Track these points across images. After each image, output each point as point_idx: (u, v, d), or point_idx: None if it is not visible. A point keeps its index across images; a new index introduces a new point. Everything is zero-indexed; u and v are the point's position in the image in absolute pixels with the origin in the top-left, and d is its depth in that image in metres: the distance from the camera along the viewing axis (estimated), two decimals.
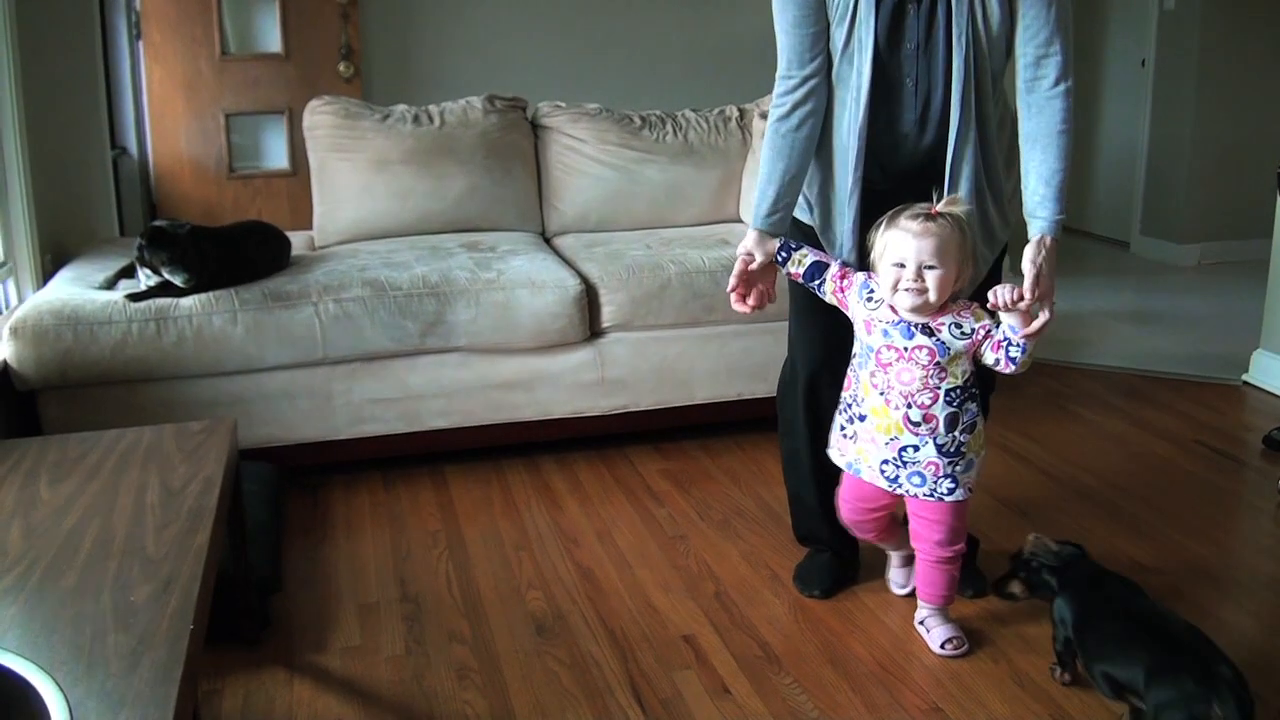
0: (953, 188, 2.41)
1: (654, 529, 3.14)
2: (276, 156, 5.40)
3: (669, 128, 4.30)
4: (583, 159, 4.22)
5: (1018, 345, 2.30)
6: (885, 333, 2.39)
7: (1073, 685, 2.36)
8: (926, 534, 2.49)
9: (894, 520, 2.64)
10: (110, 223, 4.46)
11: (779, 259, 2.51)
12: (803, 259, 2.50)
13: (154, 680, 1.45)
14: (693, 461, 3.61)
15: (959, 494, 2.44)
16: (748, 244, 2.52)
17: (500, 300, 3.43)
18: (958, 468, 2.43)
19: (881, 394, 2.41)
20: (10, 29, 3.52)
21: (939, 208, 2.31)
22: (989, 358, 2.35)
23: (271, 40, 5.27)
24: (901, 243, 2.30)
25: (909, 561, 2.71)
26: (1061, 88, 2.33)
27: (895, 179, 2.48)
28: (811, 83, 2.44)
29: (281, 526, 2.98)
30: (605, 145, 4.22)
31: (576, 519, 3.21)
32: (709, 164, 4.29)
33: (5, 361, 3.14)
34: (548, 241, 4.13)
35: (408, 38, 5.57)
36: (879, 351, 2.40)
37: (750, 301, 2.56)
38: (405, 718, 2.32)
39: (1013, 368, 2.33)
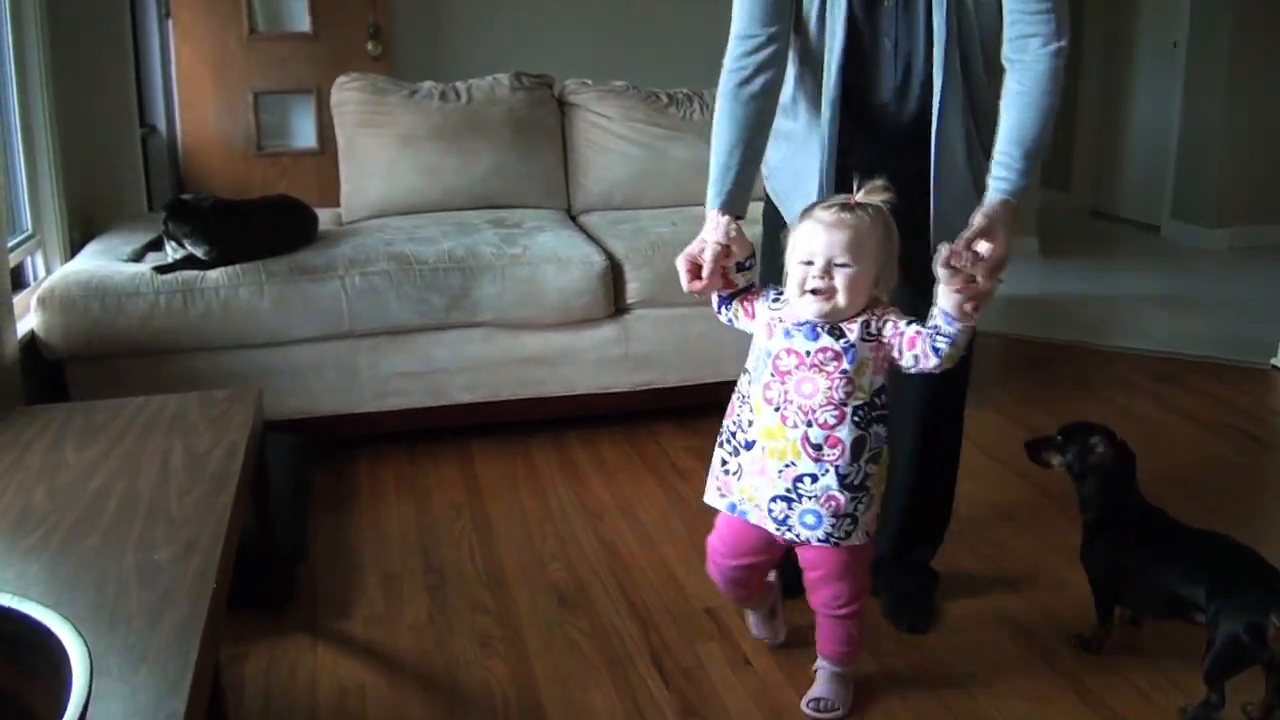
0: (942, 166, 2.20)
1: (678, 504, 3.14)
2: (304, 135, 5.41)
3: (696, 105, 4.28)
4: (609, 136, 4.21)
5: (947, 335, 1.95)
6: (787, 333, 2.04)
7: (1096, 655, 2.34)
8: (822, 590, 2.16)
9: (765, 583, 2.34)
10: (139, 199, 4.48)
11: (747, 262, 2.13)
12: (752, 273, 2.15)
13: (175, 636, 1.46)
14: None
15: (857, 538, 2.08)
16: (717, 233, 2.10)
17: (525, 276, 3.43)
18: (859, 505, 2.06)
19: (777, 410, 2.03)
20: (41, 7, 3.54)
21: (858, 197, 2.00)
22: (906, 359, 2.00)
23: (300, 19, 5.28)
24: (811, 236, 1.99)
25: (774, 612, 2.42)
26: (1053, 47, 2.09)
27: (875, 156, 2.19)
28: (778, 43, 2.19)
29: (307, 497, 2.99)
30: (632, 123, 4.21)
31: (600, 494, 3.21)
32: None
33: (33, 331, 3.16)
34: (573, 219, 4.13)
35: (436, 16, 5.57)
36: (777, 357, 2.04)
37: (704, 281, 2.11)
38: (428, 684, 2.33)
39: (934, 360, 1.97)
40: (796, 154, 2.33)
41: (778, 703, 2.22)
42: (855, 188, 2.02)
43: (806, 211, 2.05)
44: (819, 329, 2.01)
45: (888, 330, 2.01)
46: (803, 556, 2.15)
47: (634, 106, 4.23)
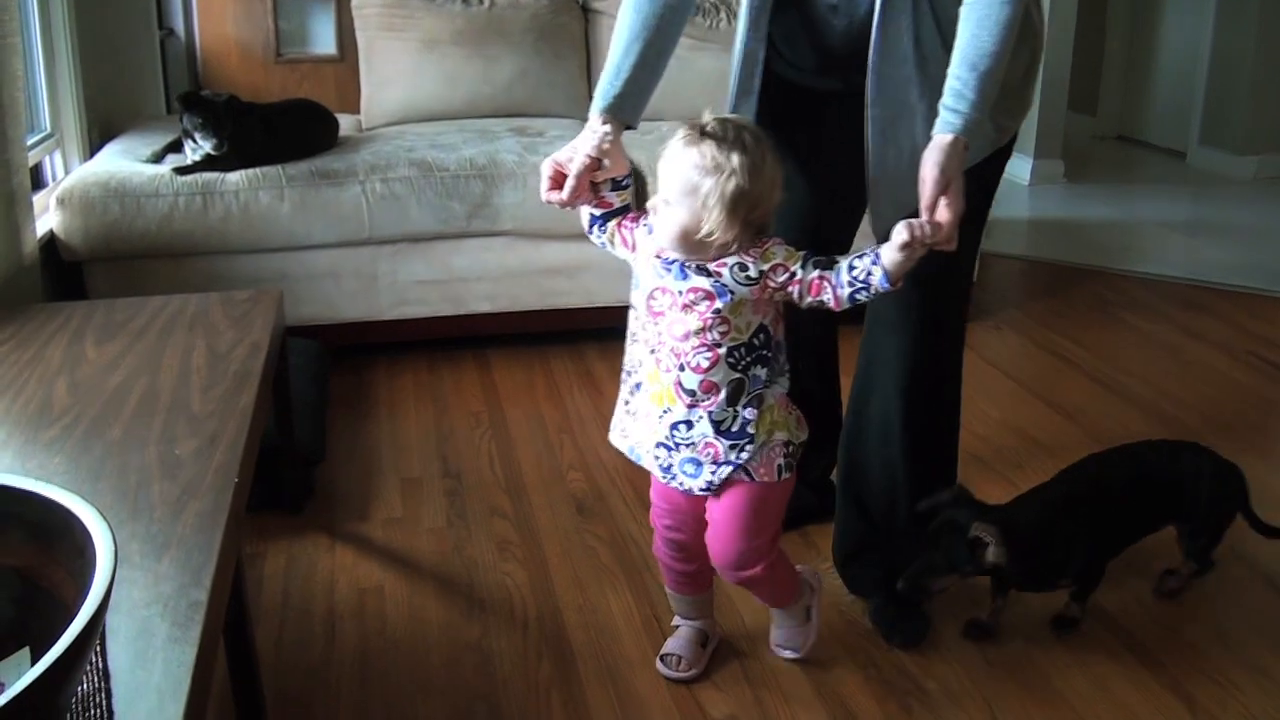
0: (879, 79, 1.90)
1: None
2: (324, 41, 5.33)
3: (723, 14, 4.22)
4: None
5: (875, 292, 1.74)
6: (657, 272, 1.82)
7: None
8: (713, 546, 1.95)
9: (710, 575, 2.08)
10: (157, 102, 4.45)
11: (624, 181, 1.91)
12: (627, 193, 1.93)
13: (198, 527, 1.46)
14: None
15: (741, 478, 1.87)
16: (590, 143, 1.85)
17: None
18: (741, 453, 1.85)
19: (653, 352, 1.85)
20: None
21: (708, 118, 1.76)
22: (807, 302, 1.78)
23: None
24: (663, 160, 1.77)
25: (703, 640, 2.14)
26: None
27: (817, 67, 2.00)
28: None
29: (326, 401, 2.99)
30: None
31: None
32: None
33: (52, 231, 3.14)
34: None
35: None
36: (651, 295, 1.82)
37: (566, 194, 1.87)
38: (446, 586, 2.34)
39: (846, 306, 1.78)
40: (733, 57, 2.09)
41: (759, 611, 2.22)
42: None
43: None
44: (686, 268, 1.78)
45: (778, 276, 1.76)
46: (708, 512, 1.94)
47: None
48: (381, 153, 3.44)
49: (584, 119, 4.29)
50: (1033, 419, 3.14)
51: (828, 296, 1.76)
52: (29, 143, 3.17)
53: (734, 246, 1.76)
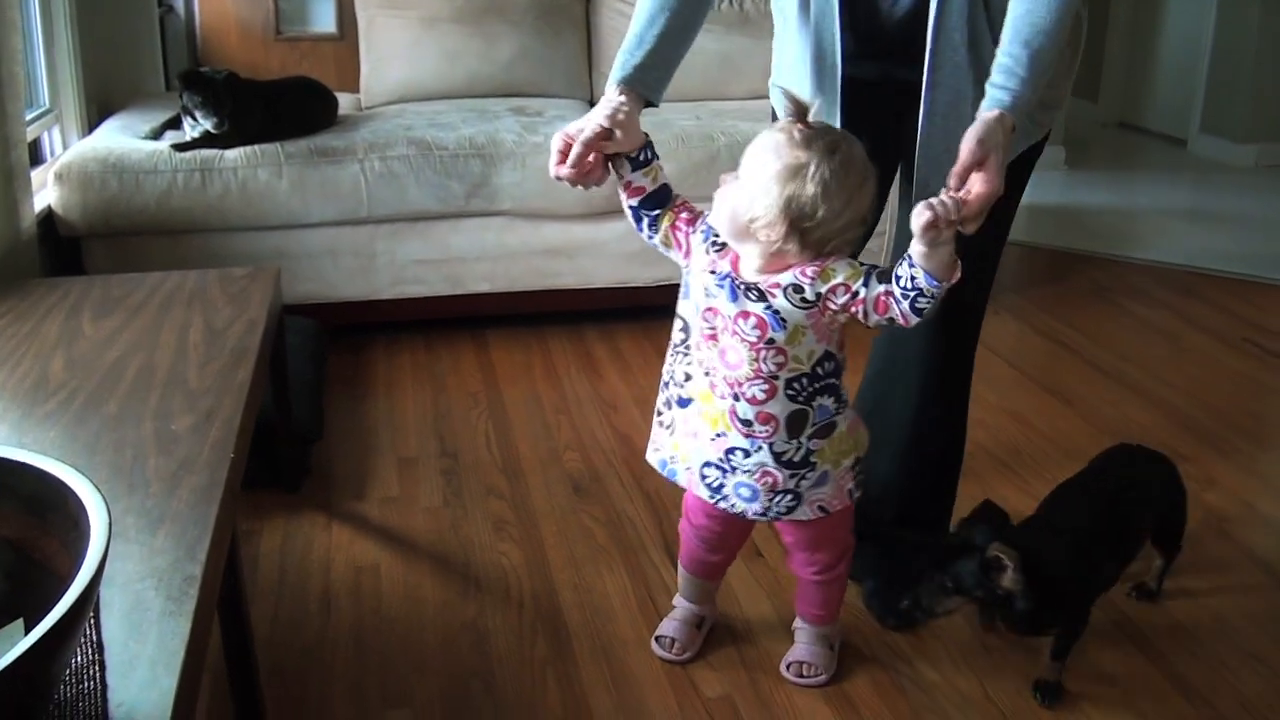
0: (935, 71, 1.81)
1: None
2: (324, 19, 5.31)
3: None
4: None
5: (930, 296, 1.62)
6: (707, 290, 1.74)
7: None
8: (797, 554, 1.98)
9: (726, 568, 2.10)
10: (156, 79, 4.42)
11: (641, 156, 1.78)
12: (658, 173, 1.81)
13: (194, 501, 1.45)
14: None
15: (803, 512, 1.82)
16: (602, 112, 1.75)
17: (546, 164, 3.36)
18: (802, 481, 1.79)
19: (706, 374, 1.78)
20: None
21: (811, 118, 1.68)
22: (874, 320, 1.68)
23: None
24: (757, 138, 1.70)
25: (699, 622, 2.11)
26: None
27: (872, 66, 1.92)
28: None
29: (323, 380, 2.99)
30: None
31: (616, 386, 3.21)
32: (766, 35, 4.17)
33: (50, 207, 3.14)
34: None
35: None
36: (704, 315, 1.75)
37: (572, 158, 1.76)
38: (441, 564, 2.34)
39: (915, 319, 1.66)
40: (785, 56, 2.00)
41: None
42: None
43: None
44: (739, 289, 1.70)
45: (838, 298, 1.67)
46: (776, 523, 1.92)
47: None
48: (380, 131, 3.43)
49: (584, 99, 4.31)
50: (1030, 404, 3.14)
51: (895, 312, 1.65)
52: (28, 118, 3.16)
53: (790, 258, 1.67)
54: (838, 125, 1.85)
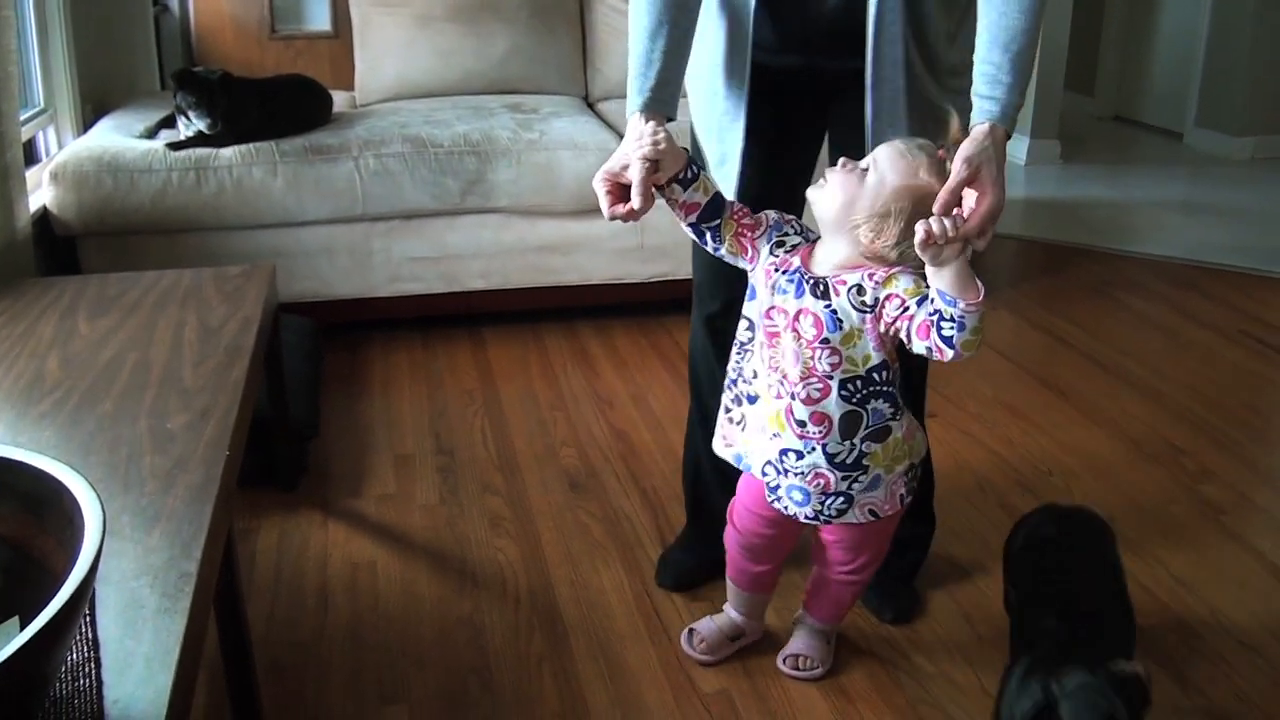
0: (877, 60, 1.80)
1: (688, 394, 3.13)
2: (319, 18, 5.31)
3: None
4: (628, 20, 4.13)
5: (952, 320, 1.58)
6: (777, 287, 1.74)
7: None
8: (834, 553, 1.95)
9: (777, 578, 2.07)
10: (151, 78, 4.44)
11: (688, 173, 1.75)
12: (707, 183, 1.78)
13: (189, 499, 1.45)
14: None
15: (853, 515, 1.82)
16: (642, 146, 1.71)
17: (542, 161, 3.39)
18: (854, 484, 1.78)
19: (768, 374, 1.79)
20: None
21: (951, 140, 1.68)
22: (917, 347, 1.65)
23: None
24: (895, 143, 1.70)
25: (736, 635, 2.09)
26: None
27: (798, 52, 1.91)
28: None
29: (319, 377, 2.99)
30: None
31: (612, 383, 3.21)
32: None
33: (45, 206, 3.14)
34: (590, 106, 4.07)
35: None
36: (768, 313, 1.76)
37: (637, 203, 1.72)
38: (438, 561, 2.35)
39: (950, 352, 1.60)
40: (703, 46, 1.96)
41: (783, 586, 2.22)
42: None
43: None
44: (805, 284, 1.71)
45: (892, 308, 1.66)
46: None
47: None
48: (375, 128, 3.43)
49: (579, 95, 4.31)
50: (1027, 398, 3.14)
51: (932, 339, 1.61)
52: (22, 117, 3.16)
53: (870, 264, 1.68)
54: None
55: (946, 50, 1.86)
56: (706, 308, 2.15)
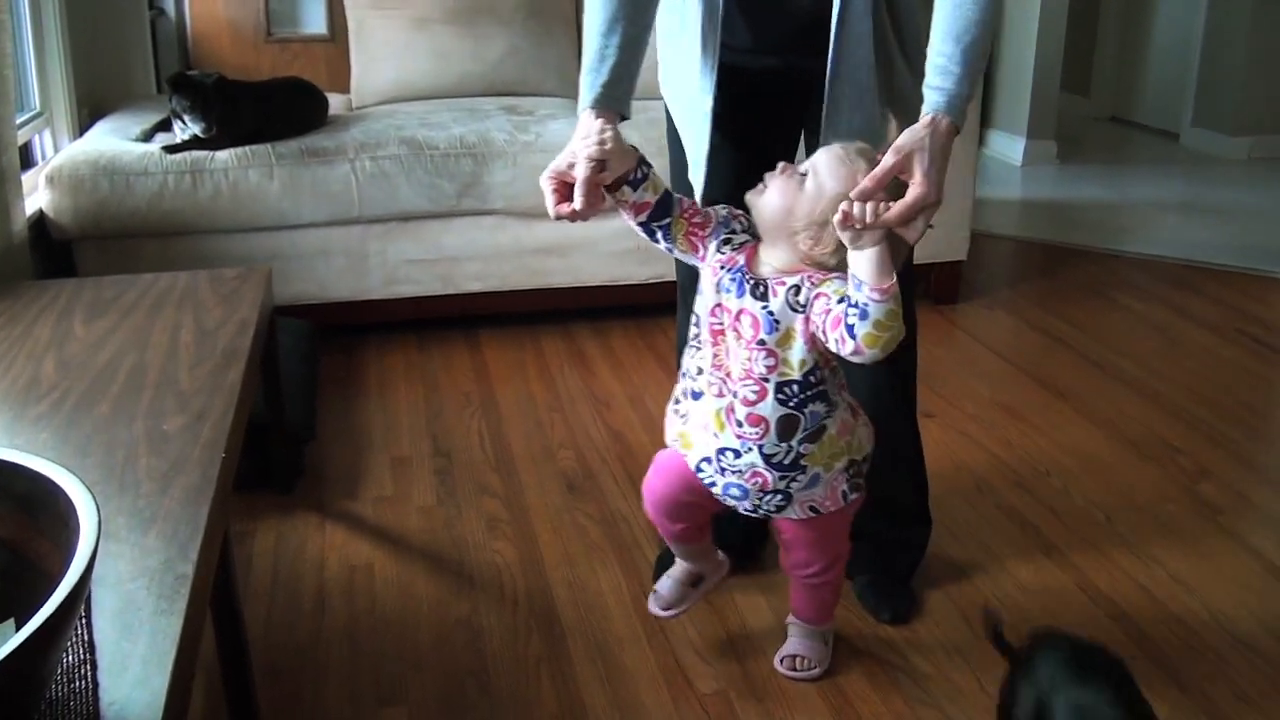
0: (840, 58, 1.80)
1: None
2: (315, 20, 5.31)
3: None
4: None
5: (858, 306, 1.56)
6: (722, 285, 1.73)
7: None
8: (792, 553, 1.96)
9: (706, 528, 2.02)
10: (147, 81, 4.43)
11: (638, 174, 1.73)
12: (658, 181, 1.76)
13: (185, 501, 1.45)
14: None
15: (793, 511, 1.82)
16: (589, 145, 1.70)
17: (538, 163, 3.33)
18: (794, 484, 1.78)
19: (711, 371, 1.78)
20: None
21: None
22: (830, 342, 1.63)
23: None
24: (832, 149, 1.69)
25: (694, 580, 2.09)
26: None
27: (774, 53, 1.92)
28: None
29: (316, 380, 2.99)
30: None
31: (609, 384, 3.21)
32: None
33: (41, 210, 3.14)
34: None
35: None
36: (713, 311, 1.75)
37: (579, 203, 1.71)
38: (435, 563, 2.34)
39: (850, 344, 1.59)
40: (677, 44, 1.97)
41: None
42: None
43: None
44: (746, 284, 1.70)
45: (819, 306, 1.64)
46: (774, 519, 1.90)
47: None
48: (371, 131, 3.43)
49: (574, 97, 4.30)
50: (1025, 398, 3.14)
51: (840, 332, 1.60)
52: (18, 121, 3.16)
53: (808, 268, 1.68)
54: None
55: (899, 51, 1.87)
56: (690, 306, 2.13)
